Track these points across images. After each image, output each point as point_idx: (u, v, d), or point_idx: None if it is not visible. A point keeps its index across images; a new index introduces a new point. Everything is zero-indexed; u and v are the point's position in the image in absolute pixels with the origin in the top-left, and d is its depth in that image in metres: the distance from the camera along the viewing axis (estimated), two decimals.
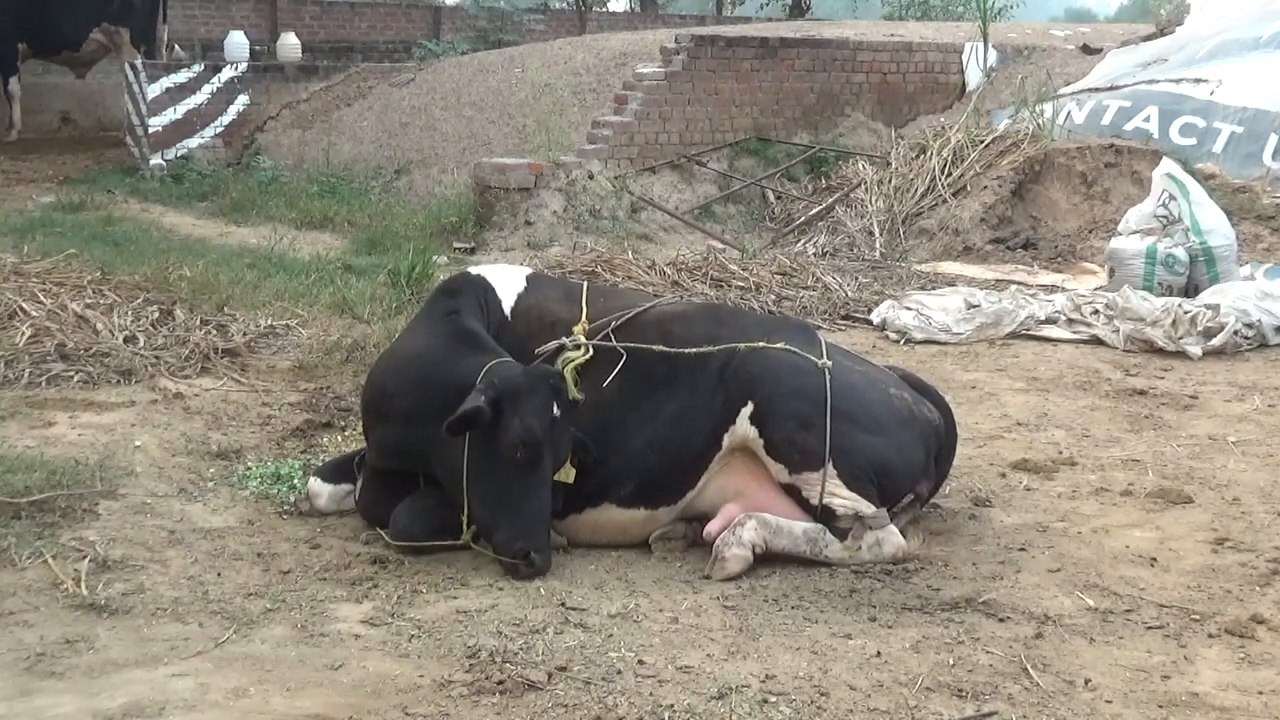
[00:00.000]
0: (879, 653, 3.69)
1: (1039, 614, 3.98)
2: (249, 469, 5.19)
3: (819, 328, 7.18)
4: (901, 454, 4.51)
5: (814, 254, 10.69)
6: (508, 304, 4.86)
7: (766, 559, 4.33)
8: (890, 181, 11.71)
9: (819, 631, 3.85)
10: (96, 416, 5.61)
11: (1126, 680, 3.57)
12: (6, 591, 3.95)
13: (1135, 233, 9.15)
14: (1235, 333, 7.61)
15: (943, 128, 12.39)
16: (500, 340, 4.68)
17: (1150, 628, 3.91)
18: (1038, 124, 11.85)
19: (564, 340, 4.66)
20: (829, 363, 4.52)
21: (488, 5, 20.78)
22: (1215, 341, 7.53)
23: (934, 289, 9.18)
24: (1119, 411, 6.39)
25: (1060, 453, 5.71)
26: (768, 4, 31.21)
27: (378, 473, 4.72)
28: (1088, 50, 14.77)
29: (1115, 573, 4.33)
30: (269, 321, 7.23)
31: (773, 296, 8.69)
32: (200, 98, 14.75)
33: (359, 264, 9.52)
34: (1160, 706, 3.43)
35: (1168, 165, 9.52)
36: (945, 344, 7.86)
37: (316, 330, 7.23)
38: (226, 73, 15.14)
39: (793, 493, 4.41)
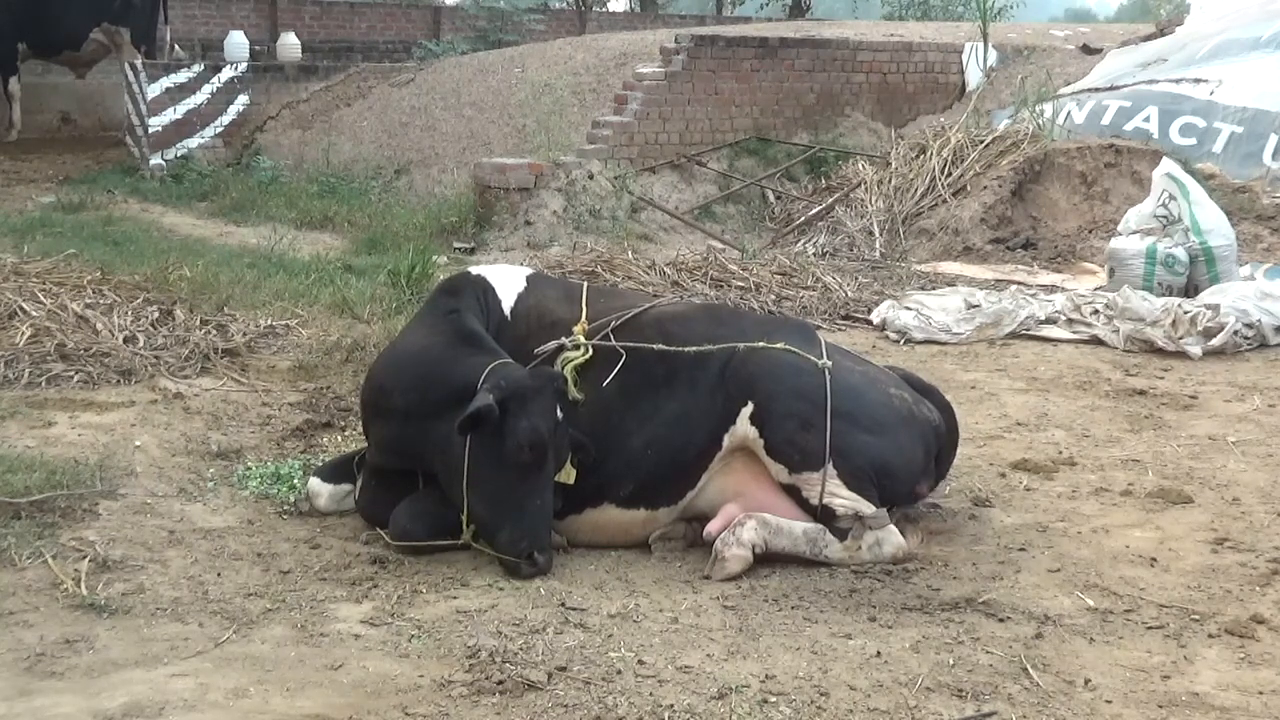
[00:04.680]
0: (879, 653, 3.69)
1: (1039, 614, 3.98)
2: (249, 469, 5.19)
3: (819, 328, 7.19)
4: (901, 454, 4.51)
5: (814, 254, 10.70)
6: (508, 304, 4.86)
7: (766, 559, 4.33)
8: (890, 181, 11.71)
9: (819, 631, 3.86)
10: (96, 416, 5.61)
11: (1126, 680, 3.57)
12: (6, 591, 3.95)
13: (1135, 233, 9.15)
14: (1235, 333, 7.61)
15: (943, 128, 12.39)
16: (500, 340, 4.68)
17: (1150, 628, 3.91)
18: (1038, 124, 11.85)
19: (563, 340, 4.66)
20: (829, 363, 4.52)
21: (488, 5, 20.77)
22: (1215, 341, 7.53)
23: (934, 289, 9.18)
24: (1119, 411, 6.39)
25: (1060, 453, 5.71)
26: (768, 4, 31.20)
27: (378, 472, 4.72)
28: (1088, 50, 14.77)
29: (1115, 573, 4.33)
30: (269, 321, 7.22)
31: (773, 296, 8.69)
32: (200, 98, 14.75)
33: (359, 264, 9.52)
34: (1160, 706, 3.43)
35: (1168, 165, 9.52)
36: (945, 344, 7.86)
37: (316, 330, 7.23)
38: (226, 73, 15.14)
39: (793, 493, 4.41)
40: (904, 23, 23.80)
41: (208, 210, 12.58)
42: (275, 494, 4.97)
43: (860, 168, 12.28)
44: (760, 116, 13.12)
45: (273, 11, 21.06)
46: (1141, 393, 6.70)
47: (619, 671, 3.56)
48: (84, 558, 4.19)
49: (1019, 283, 9.58)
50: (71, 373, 6.06)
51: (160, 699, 3.35)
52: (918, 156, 11.93)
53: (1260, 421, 6.20)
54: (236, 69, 15.29)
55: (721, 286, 8.82)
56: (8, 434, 5.29)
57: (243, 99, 15.14)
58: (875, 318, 8.38)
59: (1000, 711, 3.38)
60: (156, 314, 6.95)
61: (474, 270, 5.18)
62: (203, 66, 15.21)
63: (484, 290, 4.88)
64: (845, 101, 13.71)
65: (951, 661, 3.65)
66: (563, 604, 4.02)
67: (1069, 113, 12.27)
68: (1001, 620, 3.94)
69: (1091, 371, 7.19)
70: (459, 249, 10.59)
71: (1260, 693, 3.50)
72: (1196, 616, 3.98)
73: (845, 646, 3.75)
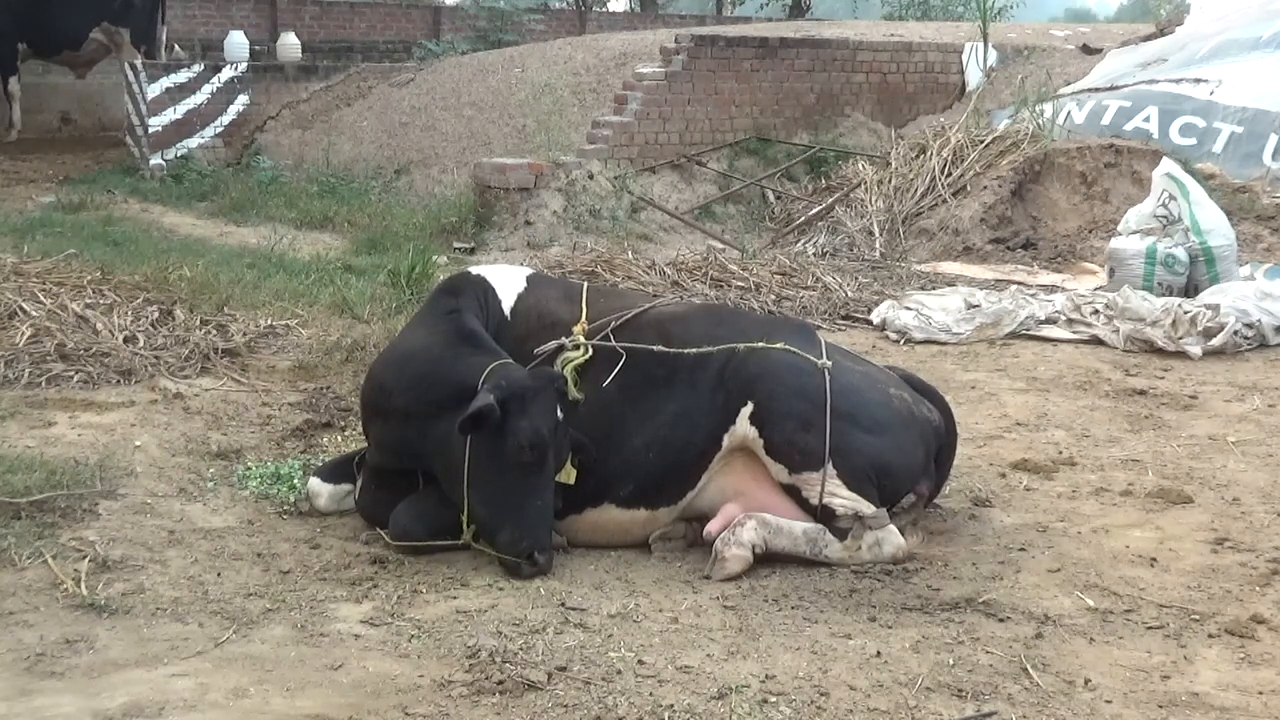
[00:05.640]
0: (879, 653, 3.69)
1: (1039, 614, 3.98)
2: (249, 469, 5.19)
3: (819, 328, 7.19)
4: (901, 454, 4.51)
5: (814, 254, 10.70)
6: (508, 304, 4.87)
7: (766, 559, 4.33)
8: (890, 181, 11.71)
9: (819, 631, 3.85)
10: (96, 416, 5.61)
11: (1126, 680, 3.57)
12: (6, 591, 3.95)
13: (1135, 233, 9.15)
14: (1235, 333, 7.61)
15: (943, 128, 12.39)
16: (500, 340, 4.68)
17: (1150, 628, 3.91)
18: (1038, 124, 11.85)
19: (563, 340, 4.66)
20: (829, 363, 4.52)
21: (488, 5, 20.78)
22: (1215, 341, 7.53)
23: (934, 289, 9.18)
24: (1119, 411, 6.39)
25: (1060, 453, 5.71)
26: (768, 4, 31.20)
27: (378, 473, 4.72)
28: (1088, 50, 14.78)
29: (1115, 573, 4.33)
30: (269, 321, 7.22)
31: (773, 296, 8.69)
32: (200, 98, 14.76)
33: (359, 264, 9.52)
34: (1160, 706, 3.43)
35: (1168, 165, 9.52)
36: (945, 344, 7.86)
37: (316, 330, 7.24)
38: (226, 73, 15.14)
39: (793, 493, 4.41)
40: (904, 23, 23.80)
41: (208, 210, 12.57)
42: (275, 494, 4.97)
43: (860, 168, 12.28)
44: (760, 116, 13.12)
45: (273, 11, 21.07)
46: (1141, 393, 6.70)
47: (619, 671, 3.56)
48: (84, 558, 4.19)
49: (1019, 283, 9.58)
50: (71, 373, 6.05)
51: (160, 699, 3.35)
52: (918, 156, 11.93)
53: (1260, 421, 6.20)
54: (236, 69, 15.29)
55: (721, 286, 8.82)
56: (8, 434, 5.30)
57: (243, 99, 15.14)
58: (875, 318, 8.37)
59: (1000, 711, 3.38)
60: (156, 314, 6.95)
61: (474, 270, 5.18)
62: (203, 66, 15.21)
63: (484, 290, 4.88)
64: (845, 101, 13.71)
65: (951, 661, 3.65)
66: (563, 604, 4.02)
67: (1069, 113, 12.27)
68: (1001, 620, 3.94)
69: (1091, 371, 7.18)
70: (459, 249, 10.59)
71: (1260, 693, 3.50)
72: (1196, 616, 3.98)
73: (845, 646, 3.75)
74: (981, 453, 5.68)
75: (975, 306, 8.20)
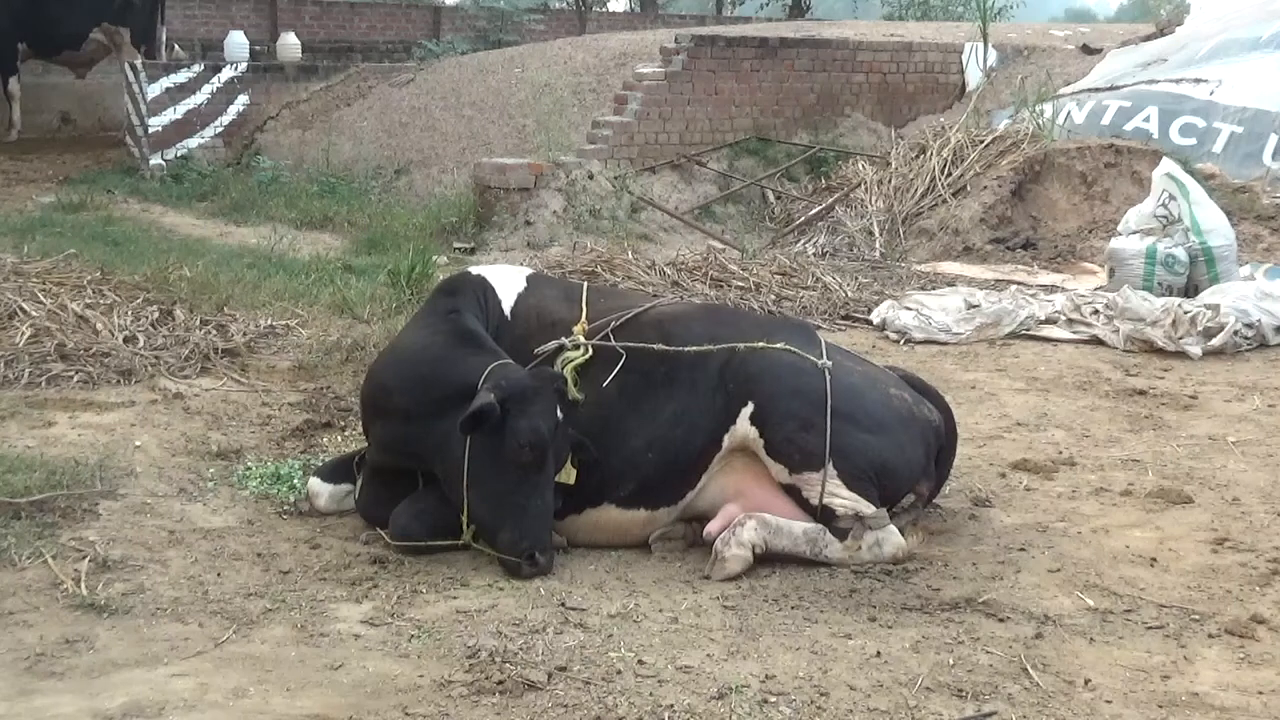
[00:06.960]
0: (879, 653, 3.69)
1: (1039, 614, 3.98)
2: (249, 469, 5.19)
3: (819, 328, 7.19)
4: (901, 454, 4.51)
5: (814, 254, 10.70)
6: (507, 304, 4.87)
7: (766, 559, 4.33)
8: (890, 181, 11.72)
9: (819, 631, 3.85)
10: (96, 416, 5.61)
11: (1126, 680, 3.57)
12: (6, 591, 3.95)
13: (1135, 233, 9.15)
14: (1235, 333, 7.61)
15: (943, 128, 12.40)
16: (500, 340, 4.68)
17: (1150, 628, 3.91)
18: (1038, 124, 11.85)
19: (563, 340, 4.66)
20: (829, 363, 4.52)
21: (488, 5, 20.80)
22: (1215, 341, 7.53)
23: (934, 289, 9.18)
24: (1119, 411, 6.39)
25: (1060, 453, 5.71)
26: (768, 4, 31.22)
27: (378, 472, 4.72)
28: (1088, 50, 14.78)
29: (1115, 573, 4.33)
30: (269, 321, 7.22)
31: (773, 296, 8.69)
32: (200, 98, 14.77)
33: (359, 264, 9.52)
34: (1160, 706, 3.43)
35: (1168, 165, 9.52)
36: (945, 344, 7.86)
37: (316, 330, 7.24)
38: (226, 73, 15.15)
39: (793, 493, 4.41)
40: (904, 23, 23.80)
41: (208, 210, 12.58)
42: (275, 494, 4.97)
43: (860, 168, 12.28)
44: (760, 116, 13.12)
45: (273, 11, 21.09)
46: (1141, 393, 6.70)
47: (619, 671, 3.56)
48: (84, 558, 4.19)
49: (1019, 283, 9.58)
50: (71, 373, 6.06)
51: (160, 699, 3.35)
52: (918, 156, 11.93)
53: (1260, 421, 6.20)
54: (236, 69, 15.30)
55: (721, 286, 8.82)
56: (8, 434, 5.30)
57: (243, 99, 15.15)
58: (875, 318, 8.37)
59: (1000, 711, 3.38)
60: (156, 314, 6.95)
61: (474, 270, 5.18)
62: (203, 66, 15.22)
63: (484, 290, 4.88)
64: (845, 101, 13.71)
65: (951, 661, 3.65)
66: (563, 604, 4.02)
67: (1069, 113, 12.27)
68: (1001, 620, 3.94)
69: (1091, 371, 7.19)
70: (459, 249, 10.59)
71: (1260, 693, 3.50)
72: (1196, 616, 3.98)
73: (845, 646, 3.75)
74: (981, 453, 5.68)
75: (975, 306, 8.21)
